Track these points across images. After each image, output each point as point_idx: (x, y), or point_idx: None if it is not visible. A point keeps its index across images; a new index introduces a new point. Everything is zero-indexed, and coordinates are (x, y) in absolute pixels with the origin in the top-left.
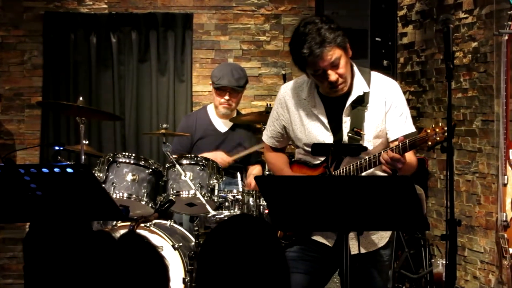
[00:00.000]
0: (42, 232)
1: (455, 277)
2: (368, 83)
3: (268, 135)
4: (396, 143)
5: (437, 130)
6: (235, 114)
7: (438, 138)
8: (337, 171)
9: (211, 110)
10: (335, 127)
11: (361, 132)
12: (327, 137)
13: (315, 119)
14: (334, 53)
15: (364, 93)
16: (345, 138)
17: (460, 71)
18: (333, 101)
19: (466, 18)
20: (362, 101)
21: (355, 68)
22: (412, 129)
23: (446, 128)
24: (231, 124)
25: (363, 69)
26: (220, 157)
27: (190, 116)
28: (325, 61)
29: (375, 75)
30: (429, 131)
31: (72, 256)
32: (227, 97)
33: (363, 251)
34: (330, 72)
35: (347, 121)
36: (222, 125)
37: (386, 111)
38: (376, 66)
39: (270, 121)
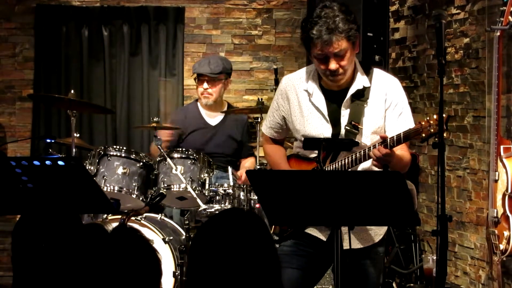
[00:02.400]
0: (31, 224)
1: (445, 273)
2: (370, 79)
3: (267, 126)
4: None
5: (431, 122)
6: (225, 107)
7: (432, 130)
8: (333, 163)
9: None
10: (335, 120)
11: (359, 126)
12: (327, 129)
13: (315, 111)
14: (341, 44)
15: (365, 87)
16: (343, 131)
17: (452, 67)
18: (334, 94)
19: (458, 14)
20: (362, 95)
21: (358, 64)
22: (411, 124)
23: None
24: (221, 117)
25: (365, 65)
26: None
27: (180, 110)
28: (331, 48)
29: (376, 72)
30: (423, 123)
31: (64, 249)
32: (205, 86)
33: (359, 246)
34: (332, 60)
35: (345, 115)
36: (213, 118)
37: (386, 109)
38: (368, 61)
39: (270, 111)
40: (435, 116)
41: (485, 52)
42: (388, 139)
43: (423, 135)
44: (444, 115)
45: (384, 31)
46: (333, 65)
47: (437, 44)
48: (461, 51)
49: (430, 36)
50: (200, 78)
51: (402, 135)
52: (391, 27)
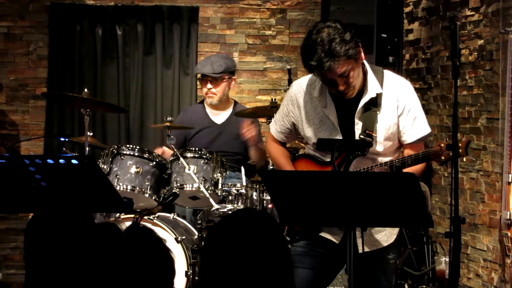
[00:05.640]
0: (44, 223)
1: (458, 275)
2: (381, 84)
3: (277, 130)
4: (408, 152)
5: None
6: (231, 105)
7: (451, 154)
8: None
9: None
10: (346, 128)
11: (373, 134)
12: (337, 138)
13: (325, 119)
14: (343, 67)
15: (377, 94)
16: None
17: (466, 69)
18: (345, 102)
19: (472, 16)
20: (374, 102)
21: (368, 68)
22: (427, 130)
23: (462, 146)
24: (227, 115)
25: (376, 69)
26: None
27: (188, 110)
28: (333, 74)
29: (388, 75)
30: (442, 145)
31: (77, 247)
32: (209, 86)
33: (372, 249)
34: (338, 81)
35: (359, 123)
36: (219, 117)
37: (399, 115)
38: (382, 63)
39: (279, 116)
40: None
41: (499, 54)
42: (407, 158)
43: (442, 158)
44: (464, 139)
45: (398, 32)
46: (340, 86)
47: (452, 45)
48: (475, 53)
49: (444, 37)
50: (203, 78)
51: (420, 155)
52: (405, 28)
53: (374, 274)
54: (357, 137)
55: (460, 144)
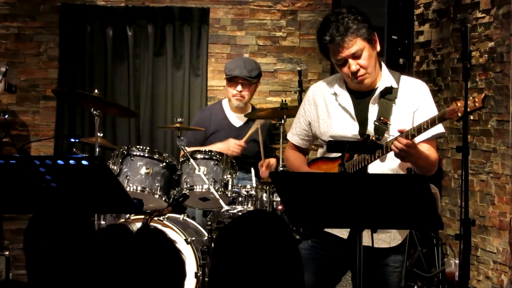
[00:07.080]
0: (43, 224)
1: (468, 277)
2: (397, 82)
3: (292, 133)
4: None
5: (468, 101)
6: (249, 109)
7: (468, 109)
8: (353, 160)
9: (226, 104)
10: (362, 118)
11: (388, 122)
12: (354, 128)
13: (342, 111)
14: (355, 43)
15: (393, 87)
16: (371, 127)
17: (476, 71)
18: (361, 94)
19: (483, 18)
20: (390, 93)
21: (384, 66)
22: (441, 129)
23: (478, 99)
24: (245, 118)
25: (393, 72)
26: (232, 145)
27: (205, 110)
28: (345, 50)
29: (404, 77)
30: (459, 104)
31: (84, 249)
32: (239, 88)
33: (378, 246)
34: (351, 62)
35: (373, 111)
36: (237, 120)
37: (414, 111)
38: (392, 64)
39: (296, 118)
40: (474, 95)
41: (510, 56)
42: (422, 122)
43: (459, 114)
44: (478, 96)
45: (408, 34)
46: (353, 66)
47: (462, 47)
48: (486, 55)
49: (455, 39)
50: (233, 79)
51: (437, 117)
52: (415, 30)
53: (385, 269)
54: (370, 123)
55: (476, 99)
